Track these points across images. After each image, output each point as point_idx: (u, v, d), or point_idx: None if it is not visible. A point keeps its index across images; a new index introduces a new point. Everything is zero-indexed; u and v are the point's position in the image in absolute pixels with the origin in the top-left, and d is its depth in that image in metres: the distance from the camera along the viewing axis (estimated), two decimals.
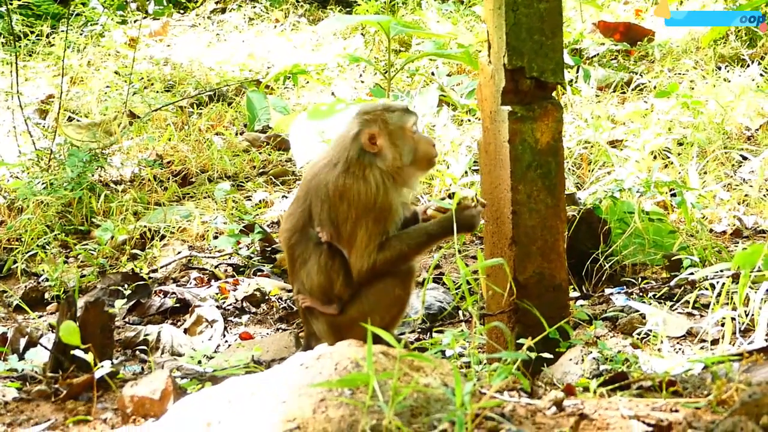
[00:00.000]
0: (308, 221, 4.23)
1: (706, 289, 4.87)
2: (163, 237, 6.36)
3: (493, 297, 4.25)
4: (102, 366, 3.94)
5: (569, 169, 6.99)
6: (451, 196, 4.17)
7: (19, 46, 9.80)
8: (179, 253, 6.15)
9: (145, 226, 6.41)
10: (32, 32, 10.52)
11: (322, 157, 4.29)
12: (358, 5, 11.56)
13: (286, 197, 7.02)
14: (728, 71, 8.50)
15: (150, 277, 5.76)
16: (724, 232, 6.10)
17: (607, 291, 5.16)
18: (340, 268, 4.18)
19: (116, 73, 9.70)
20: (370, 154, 4.13)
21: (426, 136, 4.29)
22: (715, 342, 4.48)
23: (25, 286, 5.71)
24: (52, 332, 4.58)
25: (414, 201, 4.54)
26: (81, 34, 10.54)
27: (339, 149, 4.21)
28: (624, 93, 8.70)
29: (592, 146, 7.17)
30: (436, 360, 3.25)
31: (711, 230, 6.03)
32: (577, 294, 5.08)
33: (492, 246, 4.28)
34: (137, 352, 4.86)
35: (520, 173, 4.10)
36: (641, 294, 5.01)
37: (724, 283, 4.57)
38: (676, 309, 4.91)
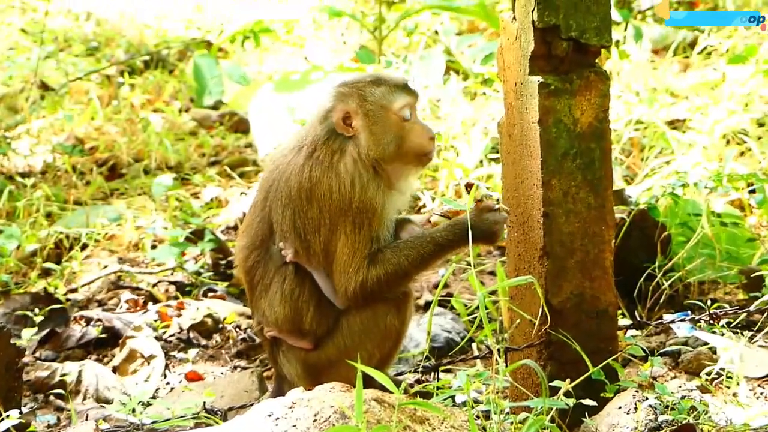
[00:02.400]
0: (269, 235, 4.20)
1: None
2: (85, 246, 6.34)
3: (518, 326, 4.24)
4: (7, 416, 3.93)
5: (616, 158, 7.00)
6: (468, 188, 4.12)
7: None
8: (106, 267, 6.14)
9: (61, 232, 6.39)
10: None
11: (287, 144, 4.27)
12: None
13: (246, 194, 7.01)
14: None
15: (68, 299, 5.75)
16: None
17: (667, 317, 5.16)
18: (311, 296, 4.15)
19: (23, 31, 9.67)
20: (343, 136, 4.12)
21: (423, 123, 4.23)
22: None
23: None
24: None
25: (412, 203, 4.53)
26: None
27: (306, 130, 4.20)
28: (687, 57, 8.71)
29: (645, 128, 7.18)
30: (446, 409, 3.26)
31: None
32: (627, 322, 5.08)
33: (517, 259, 4.28)
34: (52, 398, 4.85)
35: (554, 164, 4.09)
36: (711, 322, 5.01)
37: None
38: (757, 341, 4.92)
